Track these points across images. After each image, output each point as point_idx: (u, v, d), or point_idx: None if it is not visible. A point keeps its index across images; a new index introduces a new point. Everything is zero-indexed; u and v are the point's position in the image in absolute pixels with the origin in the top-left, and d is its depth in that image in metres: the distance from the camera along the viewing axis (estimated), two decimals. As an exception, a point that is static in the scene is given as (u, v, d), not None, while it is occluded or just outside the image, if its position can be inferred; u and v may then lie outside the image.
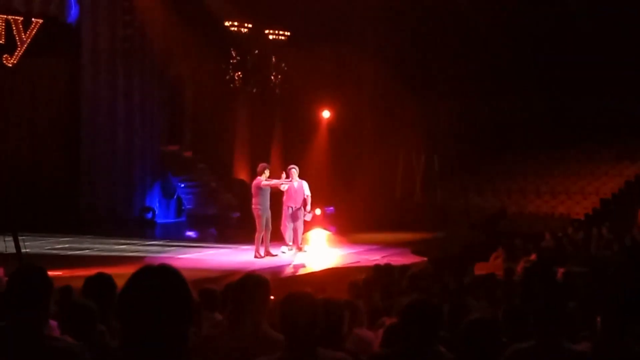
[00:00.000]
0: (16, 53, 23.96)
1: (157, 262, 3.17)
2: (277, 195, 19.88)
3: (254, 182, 19.03)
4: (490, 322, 4.83)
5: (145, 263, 3.18)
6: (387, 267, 13.07)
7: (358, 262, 19.12)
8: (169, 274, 3.09)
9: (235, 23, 28.27)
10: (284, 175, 19.51)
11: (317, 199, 24.60)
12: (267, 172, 18.95)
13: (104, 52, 26.18)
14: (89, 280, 6.45)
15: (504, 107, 31.04)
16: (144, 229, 25.48)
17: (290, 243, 19.55)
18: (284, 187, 19.44)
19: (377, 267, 13.17)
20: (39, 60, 24.73)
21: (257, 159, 24.46)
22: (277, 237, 19.71)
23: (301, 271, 17.70)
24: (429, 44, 30.07)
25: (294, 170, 19.56)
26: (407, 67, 30.15)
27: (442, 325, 5.40)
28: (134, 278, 3.08)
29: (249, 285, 5.52)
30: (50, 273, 4.79)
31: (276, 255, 19.04)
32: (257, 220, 18.69)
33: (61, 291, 8.31)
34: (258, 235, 18.75)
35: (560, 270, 13.61)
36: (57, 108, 25.65)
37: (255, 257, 18.73)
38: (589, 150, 31.03)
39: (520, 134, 31.62)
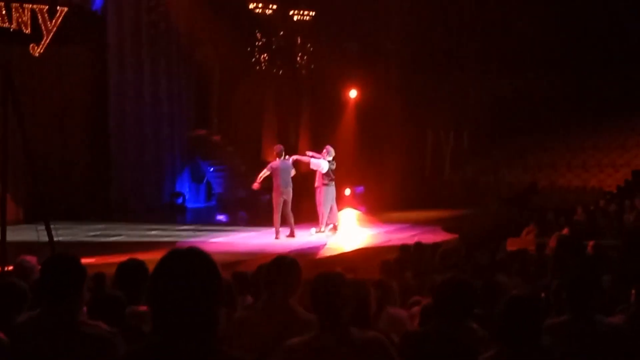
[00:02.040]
0: (42, 42, 24.06)
1: (185, 246, 3.19)
2: (310, 176, 19.99)
3: (272, 164, 19.15)
4: (531, 300, 4.81)
5: (175, 247, 3.19)
6: (418, 246, 13.07)
7: (389, 241, 19.14)
8: (196, 256, 3.11)
9: (260, 5, 28.23)
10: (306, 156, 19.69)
11: (347, 178, 24.67)
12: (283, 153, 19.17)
13: (130, 38, 26.24)
14: (121, 266, 6.49)
15: (533, 82, 30.82)
16: (175, 214, 25.61)
17: (323, 226, 19.59)
18: (317, 166, 19.44)
19: (407, 246, 13.16)
20: (65, 49, 24.82)
21: (285, 141, 24.51)
22: (304, 219, 19.78)
23: (332, 252, 17.72)
24: (456, 20, 29.89)
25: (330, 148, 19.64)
26: (434, 44, 30.03)
27: (476, 303, 5.40)
28: (162, 262, 3.10)
29: (281, 266, 5.56)
30: (83, 261, 4.84)
31: (292, 236, 19.08)
32: (274, 201, 18.92)
33: (94, 278, 8.37)
34: (276, 217, 18.93)
35: (590, 244, 13.50)
36: (85, 96, 25.75)
37: (275, 237, 18.93)
38: (619, 123, 30.74)
39: (550, 107, 31.38)
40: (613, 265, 11.52)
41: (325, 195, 19.38)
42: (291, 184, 19.02)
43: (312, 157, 19.60)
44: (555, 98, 31.29)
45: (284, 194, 18.89)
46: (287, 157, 19.32)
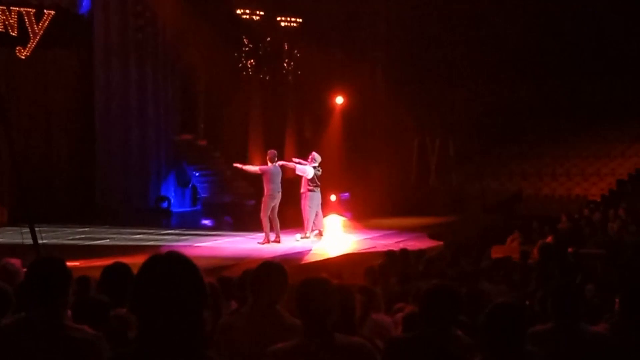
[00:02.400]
0: (29, 45, 24.00)
1: (165, 251, 3.18)
2: (295, 182, 20.00)
3: (264, 168, 19.14)
4: (516, 307, 4.83)
5: (156, 252, 3.19)
6: (403, 252, 13.07)
7: (374, 247, 19.13)
8: (176, 260, 3.11)
9: (247, 11, 28.23)
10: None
11: (332, 185, 24.64)
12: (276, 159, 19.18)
13: (116, 43, 26.20)
14: (106, 270, 6.47)
15: (519, 90, 30.90)
16: (160, 218, 25.53)
17: (309, 231, 19.60)
18: (302, 172, 19.46)
19: (392, 252, 13.16)
20: (51, 52, 24.78)
21: (271, 147, 24.48)
22: (290, 225, 19.78)
23: (317, 257, 17.71)
24: (442, 28, 29.96)
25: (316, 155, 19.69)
26: (420, 52, 30.07)
27: (461, 310, 5.41)
28: (143, 268, 3.11)
29: (267, 271, 5.55)
30: (67, 264, 4.82)
31: (278, 241, 19.05)
32: (263, 206, 18.90)
33: (79, 282, 8.34)
34: (265, 221, 18.90)
35: (570, 250, 13.56)
36: (71, 100, 25.70)
37: (262, 243, 18.91)
38: (604, 132, 30.90)
39: (535, 116, 31.50)
40: (596, 273, 11.57)
41: (311, 200, 19.42)
42: (280, 189, 19.05)
43: (298, 163, 19.63)
44: (540, 107, 31.42)
45: (276, 199, 18.91)
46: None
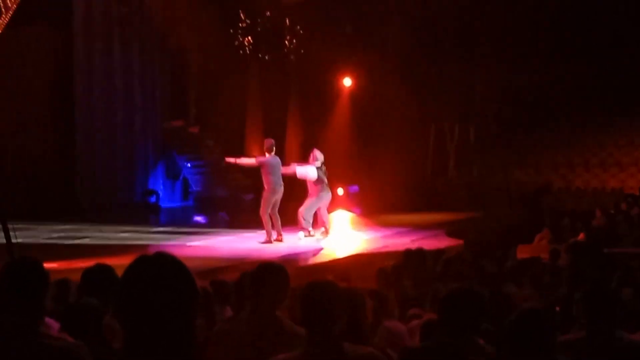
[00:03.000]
0: (0, 22, 24.00)
1: (153, 251, 3.18)
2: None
3: (262, 159, 19.04)
4: (545, 313, 4.82)
5: (144, 253, 3.19)
6: (419, 252, 13.06)
7: (386, 246, 19.15)
8: (165, 262, 3.11)
9: (244, -18, 28.27)
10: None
11: (340, 177, 24.65)
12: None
13: (99, 18, 26.19)
14: (87, 272, 6.47)
15: (548, 71, 30.82)
16: (147, 215, 25.58)
17: (310, 228, 19.58)
18: (304, 174, 19.44)
19: (407, 252, 13.16)
20: (26, 29, 24.71)
21: (270, 134, 24.46)
22: (291, 222, 19.81)
23: (323, 258, 17.72)
24: (464, 4, 29.88)
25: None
26: (438, 27, 30.01)
27: (484, 317, 5.40)
28: (129, 271, 3.10)
29: (266, 274, 5.55)
30: (45, 265, 4.82)
31: (280, 240, 19.04)
32: (263, 202, 18.86)
33: (58, 285, 8.35)
34: (266, 218, 18.86)
35: (605, 249, 13.56)
36: (48, 83, 25.67)
37: (264, 242, 18.87)
38: (643, 117, 30.86)
39: (566, 100, 31.45)
40: (635, 275, 11.55)
41: (319, 200, 19.36)
42: (282, 182, 18.98)
43: (298, 165, 19.57)
44: (571, 89, 31.34)
45: (278, 193, 18.86)
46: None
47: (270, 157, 18.89)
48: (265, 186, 18.89)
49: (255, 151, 28.45)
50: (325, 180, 19.41)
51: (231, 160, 19.77)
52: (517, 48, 30.11)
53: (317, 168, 19.27)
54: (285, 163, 19.49)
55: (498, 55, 30.15)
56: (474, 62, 30.45)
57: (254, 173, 20.13)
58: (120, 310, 3.09)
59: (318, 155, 19.44)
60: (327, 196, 19.53)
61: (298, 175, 19.44)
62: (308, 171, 19.28)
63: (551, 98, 31.26)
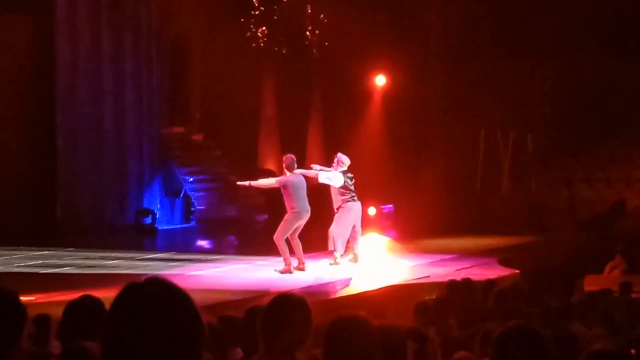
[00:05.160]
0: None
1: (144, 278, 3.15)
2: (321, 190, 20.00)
3: (283, 179, 19.03)
4: (618, 356, 4.80)
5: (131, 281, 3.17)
6: (466, 284, 13.05)
7: (427, 277, 19.13)
8: (161, 291, 3.08)
9: (257, -38, 28.38)
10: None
11: (371, 194, 24.63)
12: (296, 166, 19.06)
13: (85, 5, 26.30)
14: (71, 306, 6.49)
15: (622, 69, 30.69)
16: (142, 238, 25.63)
17: (340, 254, 19.56)
18: (327, 179, 19.44)
19: (452, 284, 13.15)
20: (0, 17, 24.90)
21: (289, 142, 24.51)
22: (314, 248, 19.81)
23: (352, 290, 17.72)
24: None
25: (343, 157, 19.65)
26: (489, 16, 29.98)
27: (547, 360, 5.38)
28: (118, 301, 3.08)
29: (283, 309, 5.54)
30: (21, 298, 4.84)
31: (302, 269, 19.05)
32: (283, 225, 18.82)
33: (36, 322, 8.38)
34: (282, 244, 18.81)
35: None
36: (24, 80, 25.78)
37: (283, 271, 18.84)
38: None
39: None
40: None
41: (349, 211, 19.36)
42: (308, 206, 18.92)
43: (320, 170, 19.56)
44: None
45: (303, 219, 18.83)
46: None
47: (292, 175, 18.85)
48: (289, 210, 18.84)
49: (270, 164, 28.54)
50: (353, 188, 19.42)
51: (244, 183, 19.79)
52: (587, 40, 29.97)
53: (342, 173, 19.30)
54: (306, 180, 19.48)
55: (560, 48, 30.06)
56: (532, 56, 30.36)
57: (269, 190, 20.13)
58: (109, 348, 3.07)
59: (344, 159, 19.48)
60: (356, 207, 19.51)
61: (320, 179, 19.46)
62: (332, 176, 19.29)
63: (626, 99, 31.09)
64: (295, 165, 18.97)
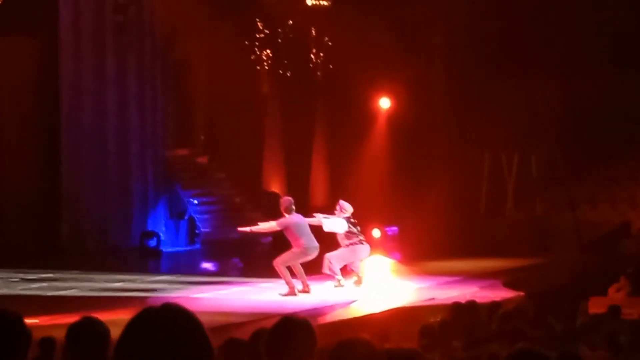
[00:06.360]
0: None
1: (161, 303, 3.17)
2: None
3: (284, 221, 19.13)
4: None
5: (148, 305, 3.18)
6: (470, 306, 13.05)
7: (432, 299, 19.13)
8: (176, 317, 3.09)
9: (262, -15, 28.43)
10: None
11: (376, 216, 24.65)
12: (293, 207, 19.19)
13: (89, 27, 26.35)
14: (74, 328, 6.49)
15: (626, 90, 30.64)
16: (146, 261, 25.63)
17: (340, 277, 19.59)
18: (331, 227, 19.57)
19: (456, 306, 13.15)
20: (5, 39, 24.95)
21: (293, 165, 24.53)
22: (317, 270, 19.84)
23: (356, 312, 17.71)
24: (524, 4, 29.83)
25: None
26: (493, 36, 29.98)
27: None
28: (130, 327, 3.08)
29: (287, 331, 5.54)
30: (25, 321, 4.84)
31: (306, 291, 19.06)
32: (286, 255, 18.86)
33: (41, 345, 8.39)
34: (282, 269, 18.84)
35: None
36: (29, 101, 25.81)
37: (288, 294, 18.84)
38: None
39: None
40: None
41: (353, 253, 19.48)
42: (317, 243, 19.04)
43: (323, 218, 19.67)
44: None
45: (311, 255, 18.92)
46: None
47: (292, 216, 18.99)
48: (295, 248, 18.92)
49: (275, 186, 28.57)
50: (358, 232, 19.57)
51: (246, 229, 19.87)
52: (592, 59, 29.92)
53: (345, 218, 19.42)
54: (309, 203, 19.58)
55: (565, 68, 30.04)
56: (536, 76, 30.32)
57: (274, 212, 20.16)
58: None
59: (346, 207, 19.64)
60: (363, 250, 19.65)
61: (325, 228, 19.59)
62: (336, 223, 19.42)
63: (630, 121, 31.04)
64: (294, 208, 19.13)
